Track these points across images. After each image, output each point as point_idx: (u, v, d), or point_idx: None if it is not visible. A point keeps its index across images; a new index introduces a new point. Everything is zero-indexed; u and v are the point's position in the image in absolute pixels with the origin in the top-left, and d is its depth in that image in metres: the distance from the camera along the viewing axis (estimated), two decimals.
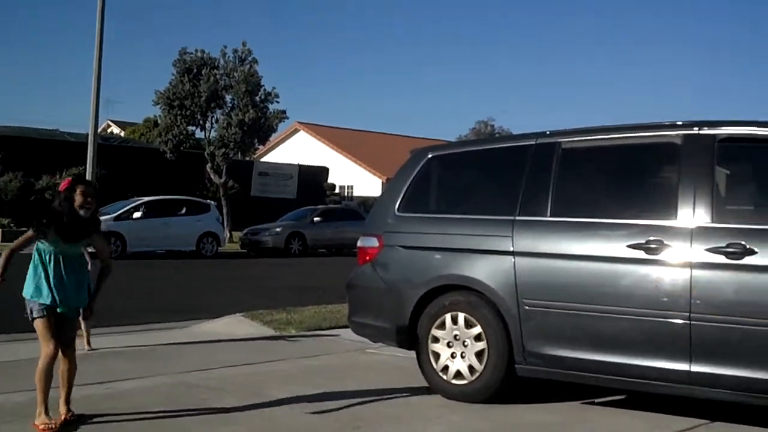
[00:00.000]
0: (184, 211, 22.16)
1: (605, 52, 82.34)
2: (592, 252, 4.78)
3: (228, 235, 25.86)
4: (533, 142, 5.37)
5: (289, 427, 4.54)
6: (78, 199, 4.48)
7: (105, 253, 4.81)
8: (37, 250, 4.51)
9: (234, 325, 8.60)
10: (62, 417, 4.49)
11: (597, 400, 5.18)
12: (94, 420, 4.59)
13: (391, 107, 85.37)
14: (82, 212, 4.48)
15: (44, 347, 4.43)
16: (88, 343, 7.08)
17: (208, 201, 23.90)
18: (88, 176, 23.24)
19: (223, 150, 27.92)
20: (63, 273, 4.48)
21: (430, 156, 5.94)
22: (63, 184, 4.59)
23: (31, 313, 4.46)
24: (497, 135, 45.83)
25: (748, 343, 4.23)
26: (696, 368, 4.36)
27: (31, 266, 4.50)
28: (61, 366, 4.56)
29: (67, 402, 4.58)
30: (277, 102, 28.85)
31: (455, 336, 5.23)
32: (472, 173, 5.97)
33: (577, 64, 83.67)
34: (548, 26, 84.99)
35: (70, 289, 4.51)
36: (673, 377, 4.44)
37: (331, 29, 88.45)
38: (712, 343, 4.32)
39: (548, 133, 5.40)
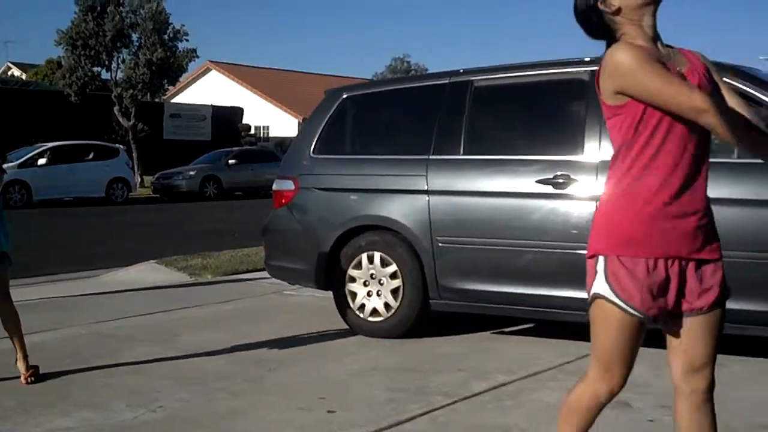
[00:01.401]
0: (91, 156, 21.37)
1: None
2: (503, 188, 4.87)
3: (139, 180, 25.20)
4: (446, 81, 5.38)
5: (200, 374, 4.50)
6: None
7: None
8: None
9: (147, 272, 8.42)
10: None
11: (506, 330, 5.36)
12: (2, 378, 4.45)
13: (307, 45, 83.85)
14: None
15: None
16: None
17: (117, 145, 23.13)
18: None
19: (131, 91, 26.91)
20: None
21: (344, 96, 5.87)
22: None
23: None
24: (413, 72, 45.73)
25: None
26: None
27: None
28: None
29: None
30: (187, 40, 27.96)
31: (371, 275, 5.28)
32: (387, 113, 5.96)
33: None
34: None
35: None
36: (580, 305, 4.60)
37: None
38: None
39: (461, 71, 5.40)
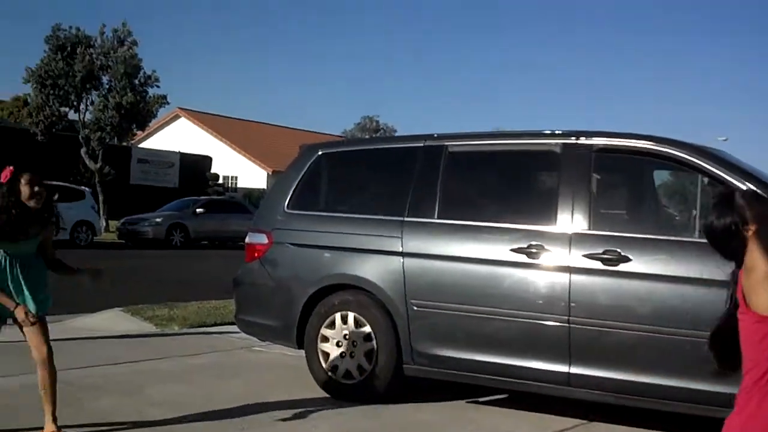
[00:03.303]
0: (56, 197, 20.96)
1: (492, 51, 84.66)
2: (477, 255, 4.93)
3: (104, 224, 24.82)
4: (421, 144, 5.48)
5: (165, 429, 4.42)
6: (25, 190, 4.09)
7: (52, 248, 4.36)
8: None
9: (113, 320, 8.29)
10: None
11: (481, 399, 5.35)
12: None
13: (275, 97, 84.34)
14: (32, 203, 4.09)
15: None
16: None
17: (83, 188, 22.84)
18: None
19: (99, 134, 26.70)
20: (20, 277, 4.09)
21: (320, 153, 5.94)
22: (3, 175, 4.11)
23: None
24: (382, 131, 46.29)
25: (622, 347, 4.49)
26: (575, 370, 4.59)
27: None
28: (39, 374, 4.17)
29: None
30: (158, 86, 27.92)
31: (345, 335, 5.27)
32: (363, 172, 6.03)
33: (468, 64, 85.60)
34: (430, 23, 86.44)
35: (28, 293, 4.12)
36: (553, 378, 4.66)
37: (216, 15, 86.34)
38: (588, 346, 4.56)
39: (436, 135, 5.52)
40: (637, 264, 4.48)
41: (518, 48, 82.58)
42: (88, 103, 27.26)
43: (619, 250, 4.52)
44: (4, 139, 29.62)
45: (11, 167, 4.17)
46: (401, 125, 56.22)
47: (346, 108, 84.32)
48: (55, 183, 22.01)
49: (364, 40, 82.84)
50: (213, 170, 39.82)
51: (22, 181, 4.11)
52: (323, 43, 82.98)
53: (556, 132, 5.04)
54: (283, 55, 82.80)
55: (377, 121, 47.37)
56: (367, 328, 5.19)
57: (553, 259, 4.69)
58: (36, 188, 4.11)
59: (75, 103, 27.10)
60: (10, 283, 4.10)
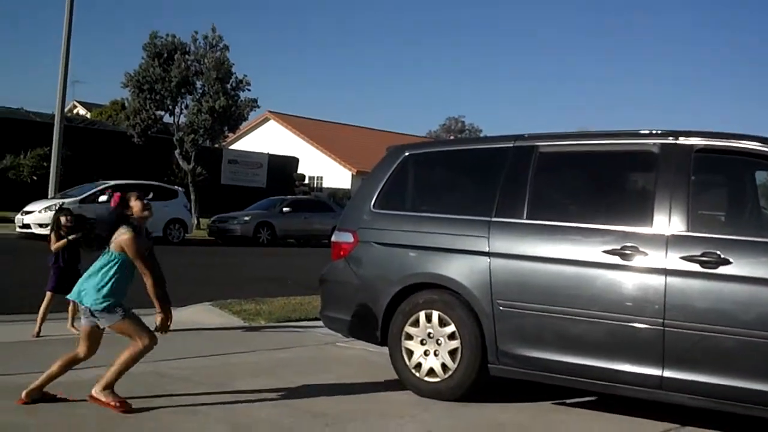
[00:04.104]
0: (151, 196, 21.56)
1: (582, 48, 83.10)
2: (568, 256, 4.82)
3: (195, 222, 25.60)
4: (511, 144, 5.41)
5: (253, 421, 4.51)
6: (138, 205, 4.76)
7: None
8: (121, 259, 4.63)
9: (202, 314, 8.53)
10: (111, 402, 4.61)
11: (568, 401, 5.24)
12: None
13: (361, 100, 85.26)
14: (146, 213, 4.78)
15: (143, 339, 4.60)
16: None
17: (176, 187, 23.60)
18: (53, 157, 22.90)
19: (193, 136, 27.57)
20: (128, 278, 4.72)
21: (407, 154, 5.95)
22: (114, 200, 4.76)
23: (122, 313, 4.60)
24: (467, 132, 46.03)
25: (719, 352, 4.31)
26: (668, 374, 4.43)
27: (108, 273, 4.60)
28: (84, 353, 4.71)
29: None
30: (249, 90, 28.60)
31: (429, 334, 5.25)
32: (449, 173, 6.00)
33: (553, 61, 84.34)
34: (529, 20, 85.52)
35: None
36: (645, 382, 4.51)
37: (305, 18, 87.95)
38: (684, 350, 4.40)
39: (526, 136, 5.43)
40: (737, 267, 4.28)
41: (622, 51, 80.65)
42: (183, 107, 28.19)
43: (718, 252, 4.34)
44: (104, 140, 31.01)
45: (117, 194, 4.84)
46: (487, 127, 55.83)
47: (430, 109, 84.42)
48: (150, 183, 22.92)
49: (449, 41, 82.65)
50: (299, 171, 40.55)
51: (132, 199, 4.79)
52: (409, 44, 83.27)
53: (654, 132, 4.88)
54: (370, 57, 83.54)
55: (463, 122, 47.14)
56: (452, 327, 5.15)
57: (648, 260, 4.54)
58: (145, 202, 4.81)
59: (170, 107, 28.06)
60: (126, 282, 4.74)
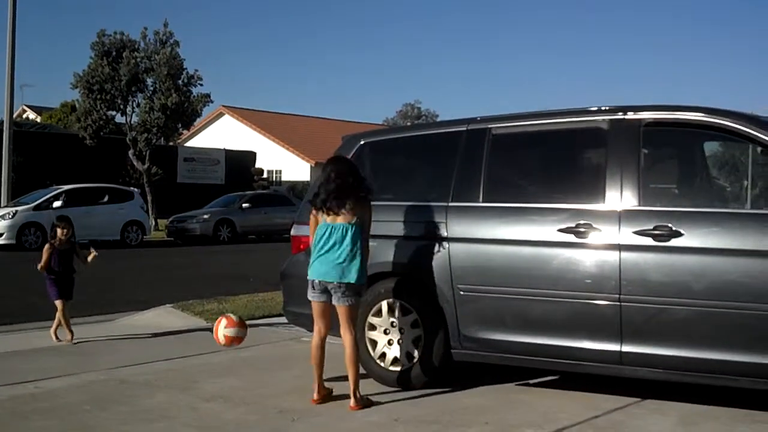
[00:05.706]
0: (106, 199, 21.48)
1: (529, 34, 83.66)
2: (524, 236, 4.85)
3: (153, 223, 25.25)
4: (464, 128, 5.40)
5: (221, 423, 4.45)
6: None
7: None
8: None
9: (163, 316, 8.41)
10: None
11: (531, 382, 5.28)
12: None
13: (317, 90, 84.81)
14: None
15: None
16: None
17: (132, 188, 23.25)
18: (4, 164, 22.38)
19: (146, 135, 27.15)
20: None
21: (362, 142, 5.91)
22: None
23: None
24: (423, 118, 46.07)
25: (675, 323, 4.38)
26: (627, 348, 4.49)
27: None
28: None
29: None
30: (201, 85, 28.24)
31: (392, 323, 5.24)
32: (405, 159, 5.98)
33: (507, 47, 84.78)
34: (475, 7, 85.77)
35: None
36: (605, 358, 4.56)
37: (254, 11, 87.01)
38: (641, 324, 4.45)
39: (478, 119, 5.43)
40: (689, 238, 4.34)
41: (555, 30, 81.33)
42: (134, 106, 27.73)
43: (670, 225, 4.39)
44: (56, 144, 30.40)
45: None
46: (444, 112, 55.99)
47: (386, 96, 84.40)
48: (104, 185, 22.53)
49: (401, 27, 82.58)
50: (258, 165, 40.23)
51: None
52: (361, 31, 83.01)
53: (603, 108, 4.91)
54: (321, 46, 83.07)
55: (419, 108, 47.16)
56: (414, 315, 5.15)
57: (602, 237, 4.58)
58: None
59: (121, 107, 27.59)
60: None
